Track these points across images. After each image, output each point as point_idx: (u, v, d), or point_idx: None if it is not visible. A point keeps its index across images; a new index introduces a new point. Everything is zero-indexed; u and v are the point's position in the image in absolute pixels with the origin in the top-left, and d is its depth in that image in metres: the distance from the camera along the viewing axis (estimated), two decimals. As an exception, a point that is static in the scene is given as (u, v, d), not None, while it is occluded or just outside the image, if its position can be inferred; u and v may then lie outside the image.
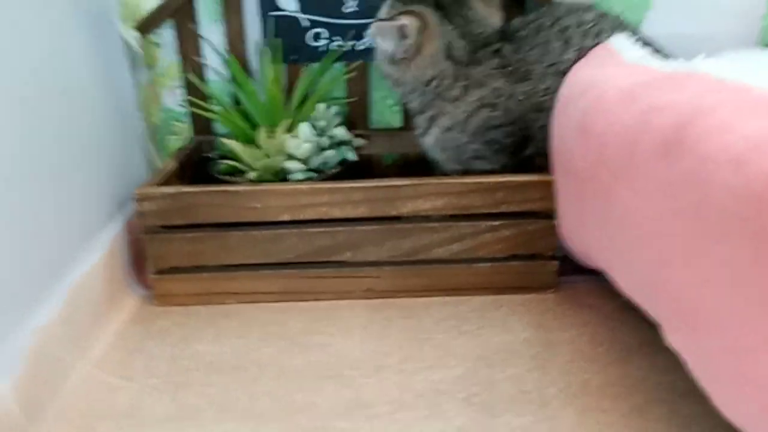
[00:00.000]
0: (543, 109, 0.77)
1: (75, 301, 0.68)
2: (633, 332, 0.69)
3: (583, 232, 0.68)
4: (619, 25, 0.81)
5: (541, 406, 0.59)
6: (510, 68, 0.79)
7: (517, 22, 0.84)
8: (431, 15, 0.78)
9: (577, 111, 0.66)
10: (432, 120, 0.81)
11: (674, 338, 0.51)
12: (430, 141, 0.82)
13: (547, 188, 0.74)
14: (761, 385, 0.40)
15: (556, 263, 0.77)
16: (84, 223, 0.74)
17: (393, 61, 0.79)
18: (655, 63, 0.62)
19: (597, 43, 0.77)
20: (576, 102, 0.67)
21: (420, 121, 0.83)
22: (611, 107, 0.59)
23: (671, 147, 0.48)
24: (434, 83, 0.79)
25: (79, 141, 0.74)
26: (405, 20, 0.76)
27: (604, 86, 0.62)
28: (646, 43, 0.82)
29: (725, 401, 0.46)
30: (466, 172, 0.80)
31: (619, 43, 0.72)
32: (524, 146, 0.80)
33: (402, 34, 0.77)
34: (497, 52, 0.79)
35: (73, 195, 0.72)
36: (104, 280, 0.74)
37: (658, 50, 0.83)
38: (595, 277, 0.78)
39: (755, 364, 0.40)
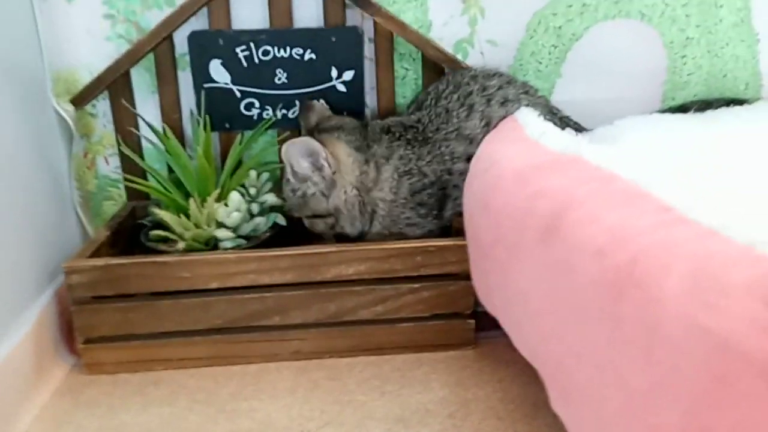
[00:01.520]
0: (453, 172, 0.83)
1: (3, 375, 0.69)
2: (541, 388, 0.72)
3: (489, 295, 0.72)
4: (526, 93, 0.87)
5: (451, 466, 0.62)
6: (408, 136, 0.85)
7: (421, 93, 0.90)
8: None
9: (481, 187, 0.71)
10: (371, 216, 0.86)
11: (555, 403, 0.56)
12: (376, 230, 0.86)
13: (464, 251, 0.78)
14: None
15: (473, 322, 0.81)
16: (13, 295, 0.75)
17: (326, 185, 0.83)
18: (552, 140, 0.68)
19: (504, 111, 0.83)
20: (481, 178, 0.72)
21: (350, 227, 0.87)
22: (507, 187, 0.64)
23: (549, 233, 0.54)
24: (357, 186, 0.84)
25: (10, 214, 0.76)
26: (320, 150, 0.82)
27: (503, 165, 0.67)
28: (552, 111, 0.88)
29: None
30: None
31: (524, 117, 0.78)
32: (444, 205, 0.85)
33: (309, 151, 0.82)
34: (387, 129, 0.85)
35: (3, 268, 0.73)
36: (33, 351, 0.75)
37: (563, 118, 0.89)
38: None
39: (614, 432, 0.44)
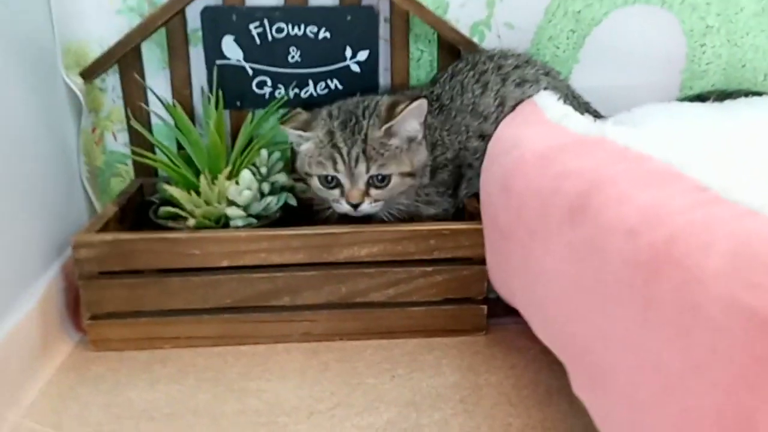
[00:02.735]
0: (468, 148, 0.82)
1: (9, 349, 0.68)
2: (555, 374, 0.72)
3: (506, 280, 0.71)
4: (547, 74, 0.86)
5: (464, 450, 0.61)
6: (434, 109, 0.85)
7: (437, 74, 0.89)
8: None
9: (501, 169, 0.70)
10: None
11: (578, 388, 0.55)
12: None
13: (478, 235, 0.77)
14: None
15: (485, 307, 0.80)
16: (21, 269, 0.74)
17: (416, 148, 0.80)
18: (573, 123, 0.66)
19: (520, 92, 0.82)
20: (500, 160, 0.71)
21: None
22: (529, 169, 0.63)
23: (576, 213, 0.52)
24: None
25: (18, 188, 0.75)
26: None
27: (524, 147, 0.66)
28: (574, 96, 0.87)
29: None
30: (411, 219, 0.84)
31: (544, 100, 0.76)
32: (459, 185, 0.84)
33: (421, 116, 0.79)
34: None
35: (10, 242, 0.72)
36: (39, 326, 0.74)
37: (583, 104, 0.88)
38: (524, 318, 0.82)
39: (646, 418, 0.43)
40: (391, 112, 0.79)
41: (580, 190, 0.54)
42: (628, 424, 0.46)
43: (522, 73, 0.85)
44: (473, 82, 0.85)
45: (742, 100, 0.89)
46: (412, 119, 0.78)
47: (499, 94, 0.83)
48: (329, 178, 0.80)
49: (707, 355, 0.37)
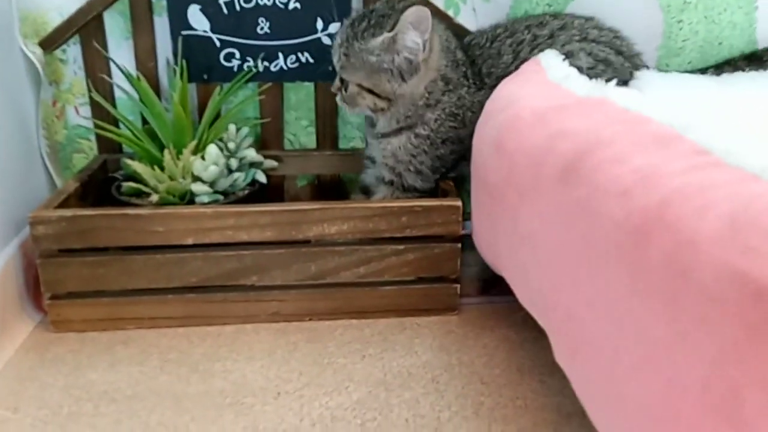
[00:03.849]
0: None
1: (-39, 329, 0.65)
2: (528, 353, 0.71)
3: (492, 243, 0.69)
4: (582, 39, 0.82)
5: (433, 430, 0.60)
6: (471, 79, 0.81)
7: (476, 32, 0.86)
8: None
9: (495, 127, 0.67)
10: (407, 127, 0.80)
11: (559, 356, 0.54)
12: (393, 146, 0.81)
13: (450, 212, 0.75)
14: (634, 408, 0.42)
15: (458, 286, 0.79)
16: (-26, 246, 0.71)
17: (408, 68, 0.76)
18: (574, 84, 0.64)
19: None
20: (495, 117, 0.68)
21: (386, 126, 0.81)
22: (524, 128, 0.60)
23: (570, 173, 0.50)
24: (428, 91, 0.78)
25: (-29, 161, 0.71)
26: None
27: (521, 105, 0.63)
28: (616, 50, 0.84)
29: (602, 421, 0.48)
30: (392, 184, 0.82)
31: (547, 59, 0.73)
32: (456, 166, 0.82)
33: (423, 26, 0.74)
34: (465, 60, 0.80)
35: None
36: (-5, 306, 0.72)
37: (630, 56, 0.85)
38: (496, 298, 0.81)
39: (628, 387, 0.42)
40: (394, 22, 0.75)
41: (575, 150, 0.52)
42: (609, 394, 0.44)
43: (554, 42, 0.81)
44: (507, 51, 0.81)
45: (740, 73, 0.87)
46: (408, 31, 0.74)
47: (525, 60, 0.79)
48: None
49: (695, 324, 0.36)
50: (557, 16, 0.85)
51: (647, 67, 0.88)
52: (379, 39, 0.75)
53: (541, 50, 0.79)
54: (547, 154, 0.54)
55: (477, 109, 0.77)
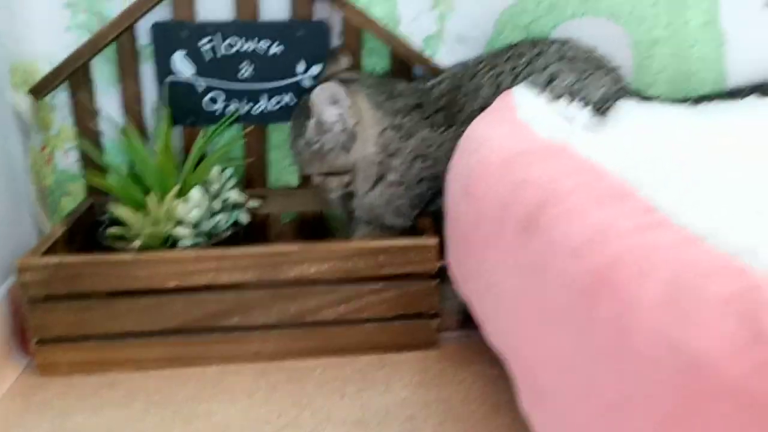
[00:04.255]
0: None
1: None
2: (502, 389, 0.72)
3: (464, 282, 0.71)
4: (560, 59, 0.84)
5: (407, 470, 0.62)
6: (436, 118, 0.83)
7: (454, 68, 0.88)
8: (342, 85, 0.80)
9: (465, 169, 0.68)
10: (378, 180, 0.83)
11: (524, 402, 0.55)
12: (370, 199, 0.85)
13: (426, 251, 0.77)
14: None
15: (436, 322, 0.80)
16: (-37, 294, 0.73)
17: (347, 138, 0.80)
18: (540, 126, 0.65)
19: None
20: (466, 159, 0.69)
21: (363, 184, 0.84)
22: (491, 173, 0.61)
23: (529, 225, 0.52)
24: (382, 145, 0.82)
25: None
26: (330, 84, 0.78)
27: (489, 149, 0.65)
28: (597, 67, 0.85)
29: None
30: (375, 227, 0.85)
31: (519, 96, 0.74)
32: (433, 201, 0.84)
33: (335, 98, 0.78)
34: (418, 104, 0.83)
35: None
36: (-17, 352, 0.73)
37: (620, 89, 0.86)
38: (476, 331, 0.82)
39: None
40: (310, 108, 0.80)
41: (535, 202, 0.53)
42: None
43: (532, 68, 0.83)
44: (488, 84, 0.83)
45: (720, 103, 0.86)
46: (326, 108, 0.79)
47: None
48: None
49: (638, 389, 0.37)
50: (535, 44, 0.86)
51: (627, 83, 0.89)
52: (309, 127, 0.80)
53: (524, 78, 0.81)
54: (511, 203, 0.55)
55: (448, 147, 0.78)
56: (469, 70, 0.86)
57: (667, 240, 0.41)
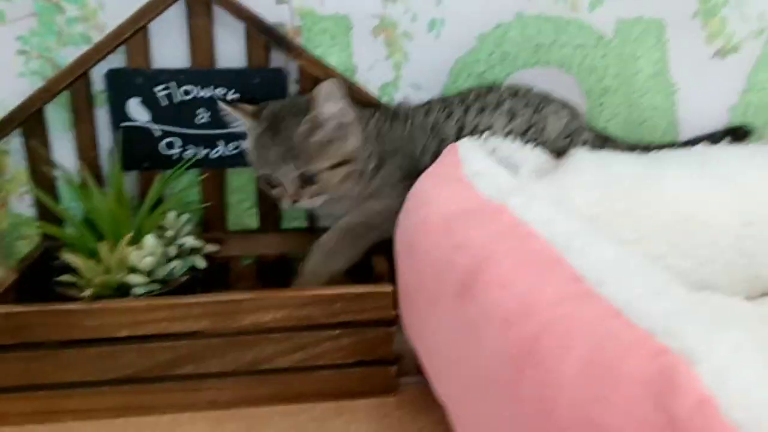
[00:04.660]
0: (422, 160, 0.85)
1: None
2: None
3: (413, 336, 0.71)
4: (513, 95, 0.87)
5: None
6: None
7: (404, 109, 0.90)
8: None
9: (409, 227, 0.69)
10: (388, 155, 0.86)
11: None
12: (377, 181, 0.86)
13: (383, 298, 0.77)
14: None
15: (395, 368, 0.80)
16: None
17: (339, 135, 0.81)
18: (482, 184, 0.65)
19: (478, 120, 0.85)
20: (410, 218, 0.70)
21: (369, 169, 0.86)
22: (431, 235, 0.62)
23: (464, 291, 0.52)
24: (375, 127, 0.85)
25: None
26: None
27: (431, 208, 0.65)
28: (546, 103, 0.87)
29: None
30: None
31: (465, 151, 0.74)
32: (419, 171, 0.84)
33: (334, 95, 0.80)
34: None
35: None
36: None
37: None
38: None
39: None
40: (309, 104, 0.81)
41: (469, 266, 0.53)
42: None
43: (483, 102, 0.86)
44: (443, 117, 0.87)
45: (673, 154, 0.86)
46: (326, 103, 0.80)
47: (459, 120, 0.86)
48: (267, 177, 0.84)
49: None
50: (489, 88, 0.89)
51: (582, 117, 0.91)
52: (308, 119, 0.80)
53: (476, 112, 0.85)
54: (448, 267, 0.56)
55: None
56: (422, 107, 0.89)
57: (590, 312, 0.41)
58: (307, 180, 0.82)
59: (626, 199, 0.77)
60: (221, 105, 0.87)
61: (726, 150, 0.86)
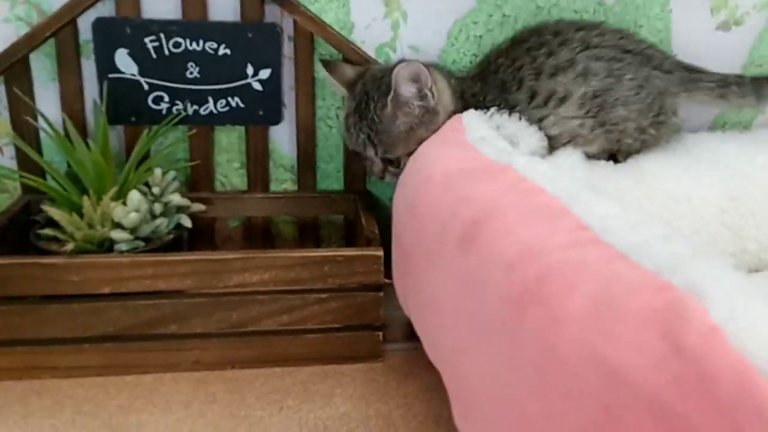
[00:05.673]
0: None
1: None
2: (445, 404, 0.71)
3: (406, 297, 0.70)
4: (585, 48, 0.80)
5: (343, 487, 0.60)
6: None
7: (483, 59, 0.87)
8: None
9: (411, 187, 0.69)
10: None
11: (456, 417, 0.54)
12: None
13: (372, 262, 0.76)
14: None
15: (381, 334, 0.79)
16: None
17: (429, 116, 0.78)
18: (487, 147, 0.65)
19: (553, 83, 0.80)
20: (412, 178, 0.70)
21: None
22: (434, 190, 0.62)
23: (466, 241, 0.52)
24: None
25: None
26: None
27: (435, 168, 0.65)
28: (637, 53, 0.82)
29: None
30: None
31: (469, 120, 0.75)
32: None
33: (416, 76, 0.76)
34: (462, 91, 0.83)
35: None
36: None
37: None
38: (420, 344, 0.81)
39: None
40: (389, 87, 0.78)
41: (473, 218, 0.53)
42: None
43: (556, 61, 0.80)
44: (510, 78, 0.81)
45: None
46: (404, 85, 0.77)
47: (532, 88, 0.80)
48: (356, 152, 0.84)
49: (561, 399, 0.37)
50: (559, 32, 0.82)
51: (667, 57, 0.85)
52: (389, 104, 0.77)
53: (548, 74, 0.79)
54: (451, 219, 0.55)
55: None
56: (491, 66, 0.84)
57: (595, 256, 0.41)
58: (391, 162, 0.81)
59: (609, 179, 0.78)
60: (321, 64, 0.86)
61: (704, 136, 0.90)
